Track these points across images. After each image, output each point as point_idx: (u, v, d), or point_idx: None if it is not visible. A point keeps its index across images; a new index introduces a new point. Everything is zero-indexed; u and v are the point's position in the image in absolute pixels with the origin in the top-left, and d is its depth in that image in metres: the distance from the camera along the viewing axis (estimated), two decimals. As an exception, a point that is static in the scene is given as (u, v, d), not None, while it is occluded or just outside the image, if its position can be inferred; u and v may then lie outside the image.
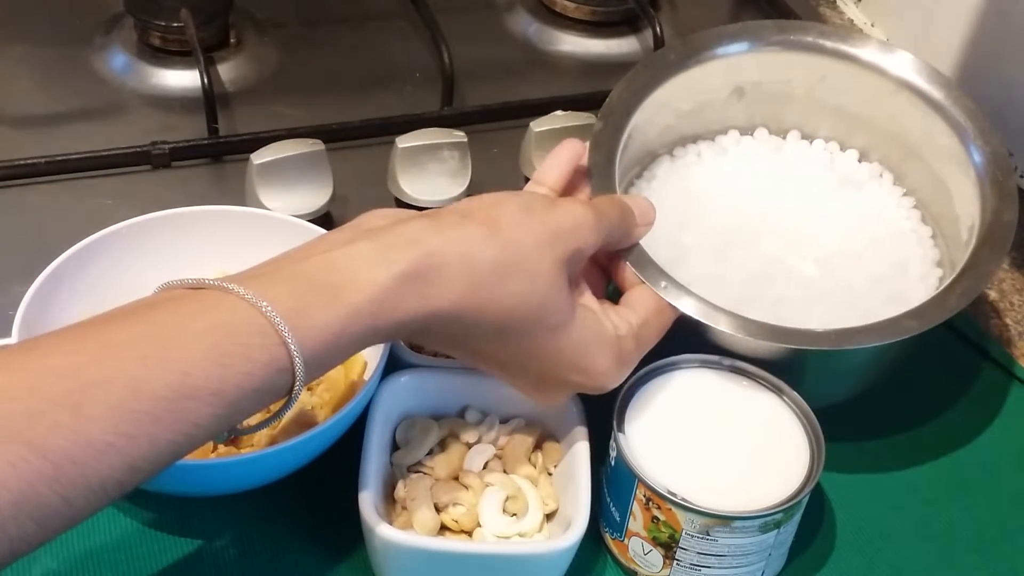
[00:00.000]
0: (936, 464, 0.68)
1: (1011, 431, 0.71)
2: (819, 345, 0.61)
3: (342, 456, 0.62)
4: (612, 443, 0.58)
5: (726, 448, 0.59)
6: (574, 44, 0.95)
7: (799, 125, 0.76)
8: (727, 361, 0.62)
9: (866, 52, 0.73)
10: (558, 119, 0.78)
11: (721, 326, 0.60)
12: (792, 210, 0.71)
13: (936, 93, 0.72)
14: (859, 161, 0.75)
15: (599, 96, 0.83)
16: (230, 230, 0.68)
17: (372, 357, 0.64)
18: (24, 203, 0.75)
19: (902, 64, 0.73)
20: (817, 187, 0.73)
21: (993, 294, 0.81)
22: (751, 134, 0.76)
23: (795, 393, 0.60)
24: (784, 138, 0.76)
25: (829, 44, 0.74)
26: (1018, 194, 0.68)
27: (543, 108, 0.80)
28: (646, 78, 0.72)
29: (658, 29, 0.88)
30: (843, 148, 0.76)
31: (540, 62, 0.94)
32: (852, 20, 1.06)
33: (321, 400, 0.63)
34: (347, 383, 0.64)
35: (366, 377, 0.63)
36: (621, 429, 0.58)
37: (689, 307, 0.61)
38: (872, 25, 1.05)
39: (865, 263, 0.69)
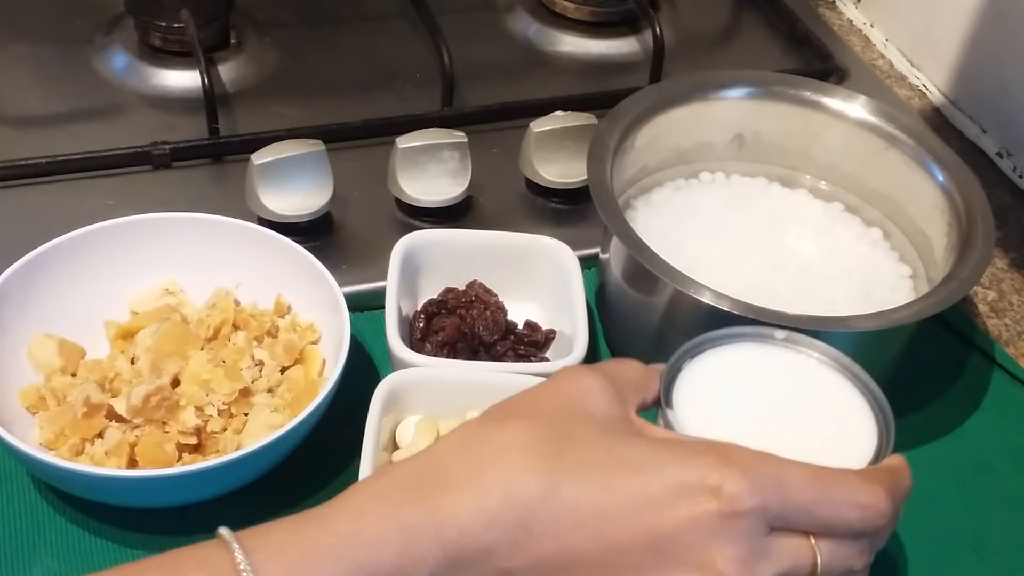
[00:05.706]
0: (935, 464, 0.68)
1: (1011, 432, 0.71)
2: (826, 327, 0.61)
3: (342, 456, 0.62)
4: (659, 420, 0.53)
5: (783, 430, 0.52)
6: (574, 44, 0.95)
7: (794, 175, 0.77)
8: (780, 334, 0.56)
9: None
10: (558, 119, 0.78)
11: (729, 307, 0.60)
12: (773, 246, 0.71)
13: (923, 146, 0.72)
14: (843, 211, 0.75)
15: (599, 96, 0.83)
16: (176, 238, 0.68)
17: (331, 353, 0.64)
18: (24, 203, 0.75)
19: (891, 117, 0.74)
20: (800, 229, 0.73)
21: (992, 294, 0.81)
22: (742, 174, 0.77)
23: (860, 369, 0.54)
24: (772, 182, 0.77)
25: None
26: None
27: (543, 108, 0.80)
28: (652, 100, 0.73)
29: (658, 29, 0.88)
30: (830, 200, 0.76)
31: (540, 62, 0.94)
32: (851, 21, 1.06)
33: (283, 401, 0.63)
34: (307, 382, 0.64)
35: (326, 375, 0.64)
36: (669, 404, 0.52)
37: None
38: (871, 26, 1.05)
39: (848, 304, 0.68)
